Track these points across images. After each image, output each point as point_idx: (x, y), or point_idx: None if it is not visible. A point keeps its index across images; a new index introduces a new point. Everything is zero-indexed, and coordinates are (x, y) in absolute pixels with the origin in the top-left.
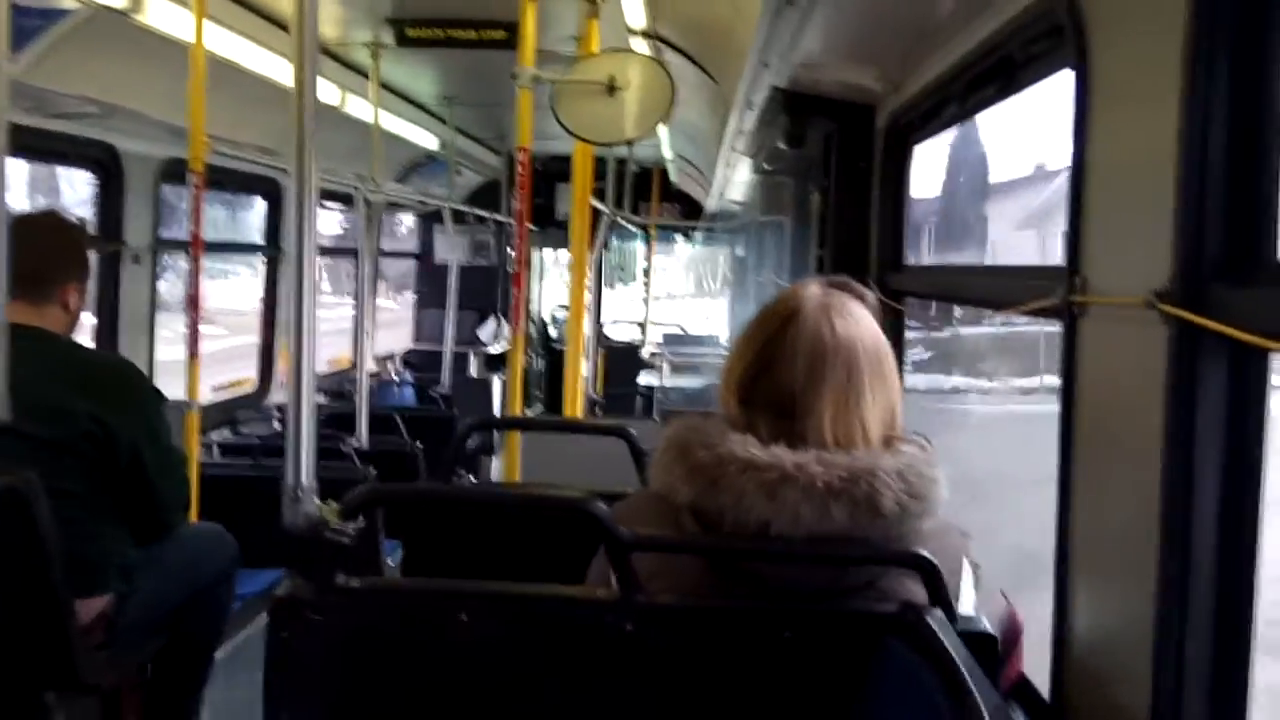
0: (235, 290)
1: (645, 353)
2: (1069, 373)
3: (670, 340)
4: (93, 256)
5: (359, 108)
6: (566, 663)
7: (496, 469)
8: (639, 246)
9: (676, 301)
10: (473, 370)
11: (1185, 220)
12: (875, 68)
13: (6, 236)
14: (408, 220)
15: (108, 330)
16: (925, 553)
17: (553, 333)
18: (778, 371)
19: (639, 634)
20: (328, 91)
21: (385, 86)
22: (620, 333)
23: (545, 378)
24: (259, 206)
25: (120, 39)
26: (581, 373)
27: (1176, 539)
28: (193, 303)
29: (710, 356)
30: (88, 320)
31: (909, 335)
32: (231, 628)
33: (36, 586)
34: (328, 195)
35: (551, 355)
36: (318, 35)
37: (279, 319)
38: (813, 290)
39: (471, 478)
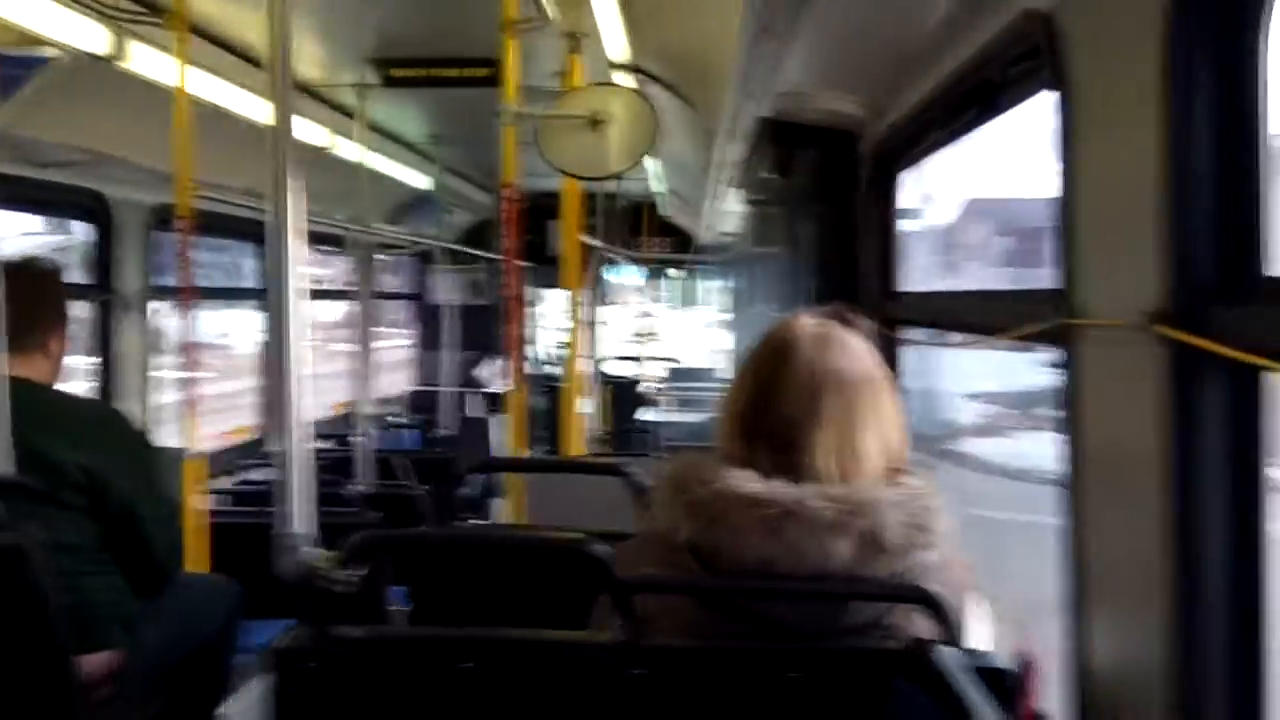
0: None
1: (646, 388)
2: (1069, 398)
3: (672, 375)
4: (85, 305)
5: (347, 149)
6: (572, 708)
7: (503, 510)
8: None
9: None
10: (473, 410)
11: (1175, 239)
12: (857, 95)
13: None
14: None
15: (102, 379)
16: (933, 587)
17: (552, 370)
18: (775, 405)
19: (643, 677)
20: (315, 134)
21: (373, 127)
22: (622, 368)
23: (548, 416)
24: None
25: (105, 86)
26: (583, 410)
27: (1188, 564)
28: (186, 349)
29: (711, 391)
30: (81, 368)
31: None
32: (237, 680)
33: (38, 644)
34: (319, 238)
35: (553, 393)
36: (292, 74)
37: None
38: (807, 322)
39: (478, 520)
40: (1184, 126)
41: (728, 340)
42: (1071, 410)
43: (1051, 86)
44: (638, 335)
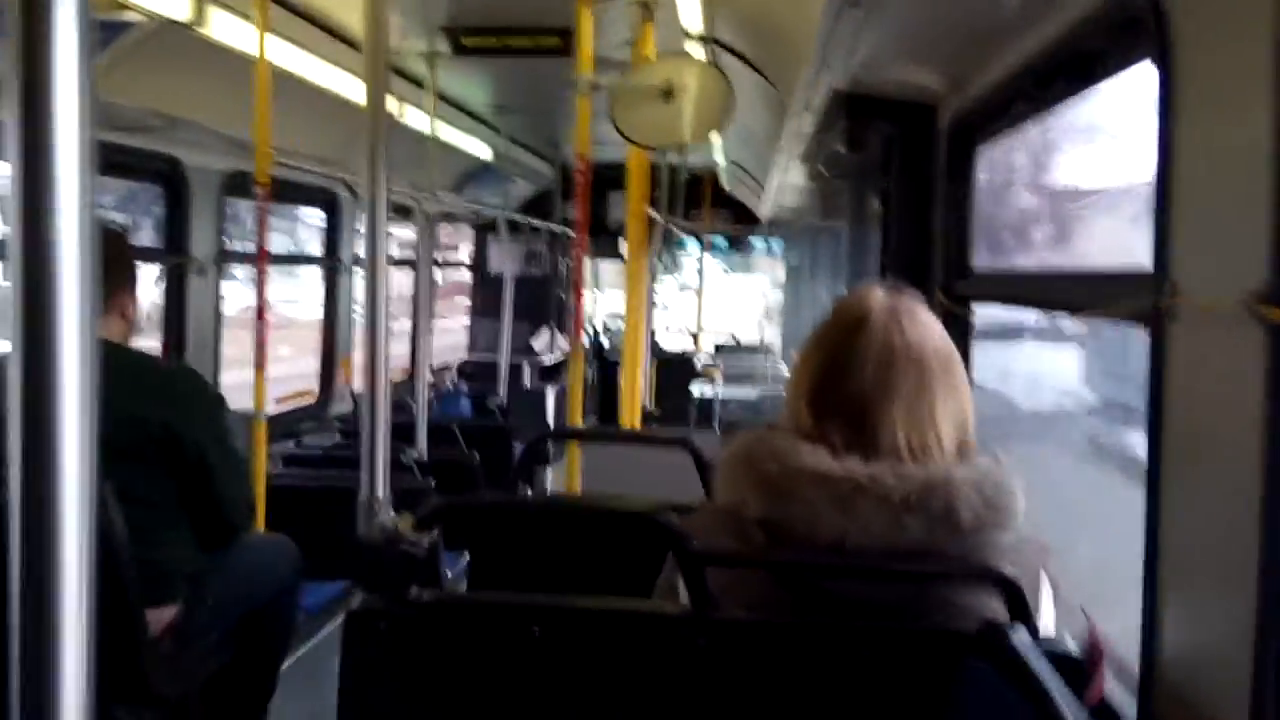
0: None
1: (698, 363)
2: (1157, 380)
3: (722, 350)
4: (158, 269)
5: (414, 118)
6: (639, 678)
7: (551, 478)
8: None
9: None
10: (527, 381)
11: None
12: (938, 67)
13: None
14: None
15: (174, 342)
16: (1006, 568)
17: (605, 342)
18: (848, 380)
19: (712, 650)
20: (387, 103)
21: (440, 96)
22: (673, 342)
23: (598, 388)
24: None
25: (183, 52)
26: (638, 382)
27: (1277, 556)
28: (259, 314)
29: (763, 366)
30: (154, 330)
31: None
32: (296, 640)
33: (109, 597)
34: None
35: (604, 365)
36: (388, 51)
37: (338, 330)
38: (879, 295)
39: (529, 489)
40: None
41: (783, 315)
42: (1159, 391)
43: (1152, 58)
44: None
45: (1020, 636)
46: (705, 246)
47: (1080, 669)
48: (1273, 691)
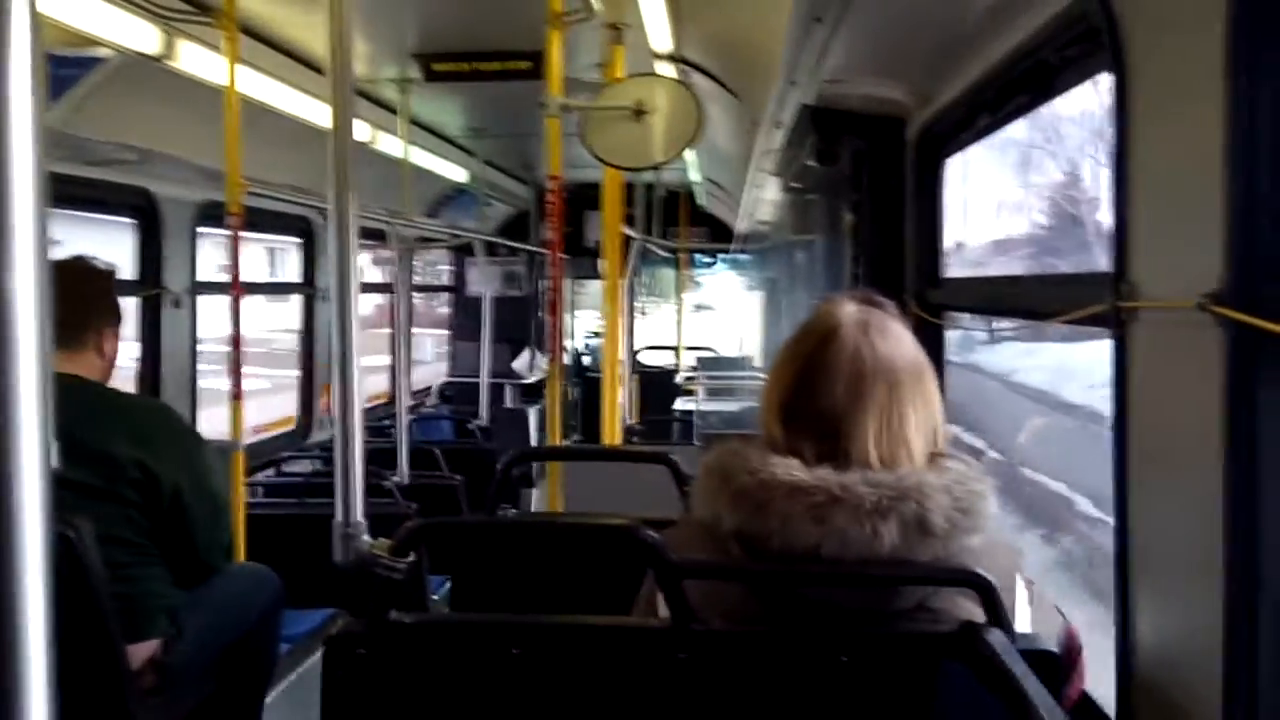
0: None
1: (680, 378)
2: (1120, 382)
3: (704, 364)
4: (133, 301)
5: (388, 144)
6: (621, 693)
7: (536, 500)
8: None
9: None
10: (509, 401)
11: (1237, 219)
12: (904, 81)
13: (49, 288)
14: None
15: (149, 374)
16: (979, 570)
17: (586, 360)
18: (819, 392)
19: (693, 662)
20: (358, 129)
21: (414, 121)
22: (654, 358)
23: (581, 406)
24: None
25: (154, 85)
26: (618, 400)
27: (1243, 550)
28: (234, 343)
29: (746, 379)
30: (130, 364)
31: None
32: (280, 669)
33: (88, 633)
34: (361, 233)
35: (586, 384)
36: (353, 76)
37: (318, 357)
38: (849, 308)
39: (513, 509)
40: (1248, 105)
41: (762, 329)
42: (1123, 393)
43: (1109, 68)
44: None
45: (996, 637)
46: (681, 265)
47: (1059, 666)
48: (1244, 681)
